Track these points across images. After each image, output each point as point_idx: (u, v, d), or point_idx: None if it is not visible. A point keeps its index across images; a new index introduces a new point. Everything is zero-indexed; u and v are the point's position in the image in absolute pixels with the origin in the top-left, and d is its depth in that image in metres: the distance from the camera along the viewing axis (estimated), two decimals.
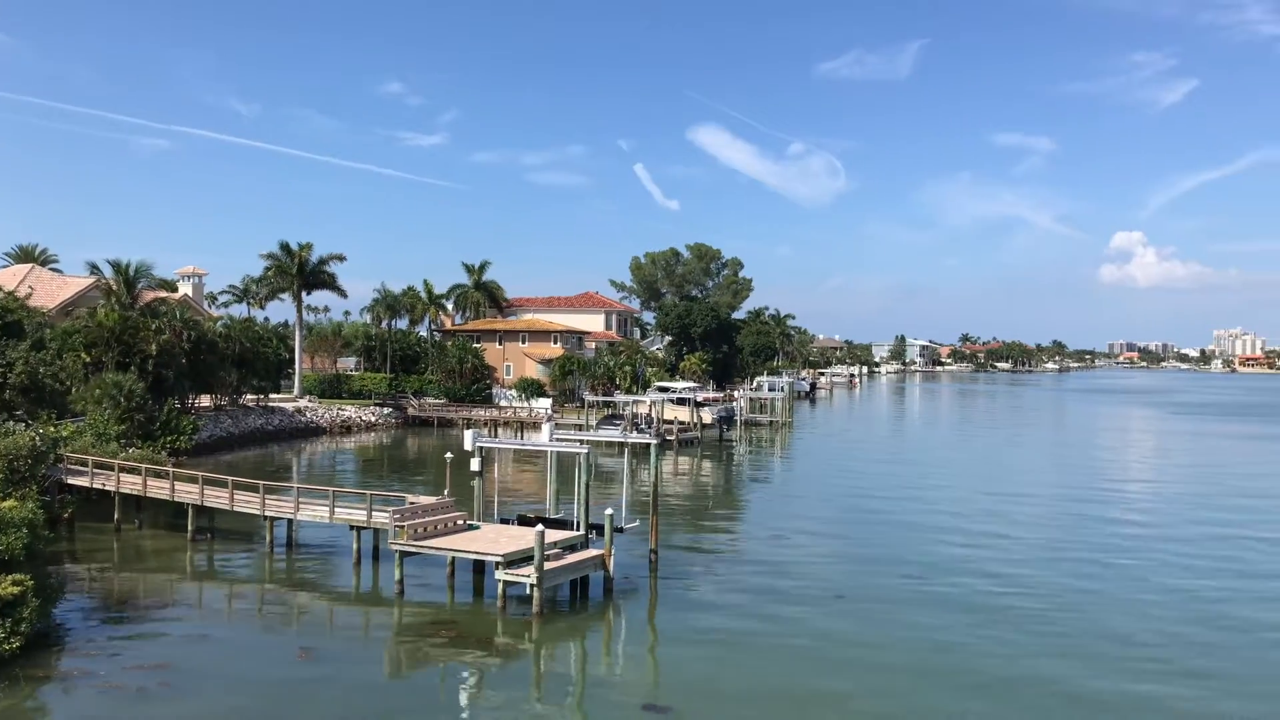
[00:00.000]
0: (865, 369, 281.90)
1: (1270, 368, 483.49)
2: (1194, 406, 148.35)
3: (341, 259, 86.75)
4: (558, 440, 33.81)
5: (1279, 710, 20.06)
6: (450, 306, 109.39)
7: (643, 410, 71.95)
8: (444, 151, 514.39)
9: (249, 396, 73.44)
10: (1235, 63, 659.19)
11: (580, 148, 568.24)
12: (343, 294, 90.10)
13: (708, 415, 78.21)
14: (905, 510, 43.73)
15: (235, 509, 33.25)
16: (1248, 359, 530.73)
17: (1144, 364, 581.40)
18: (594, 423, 70.90)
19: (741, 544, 36.77)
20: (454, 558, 27.71)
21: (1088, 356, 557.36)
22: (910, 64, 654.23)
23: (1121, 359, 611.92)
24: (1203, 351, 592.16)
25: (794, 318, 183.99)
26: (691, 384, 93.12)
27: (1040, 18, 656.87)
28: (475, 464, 30.39)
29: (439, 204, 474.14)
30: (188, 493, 34.69)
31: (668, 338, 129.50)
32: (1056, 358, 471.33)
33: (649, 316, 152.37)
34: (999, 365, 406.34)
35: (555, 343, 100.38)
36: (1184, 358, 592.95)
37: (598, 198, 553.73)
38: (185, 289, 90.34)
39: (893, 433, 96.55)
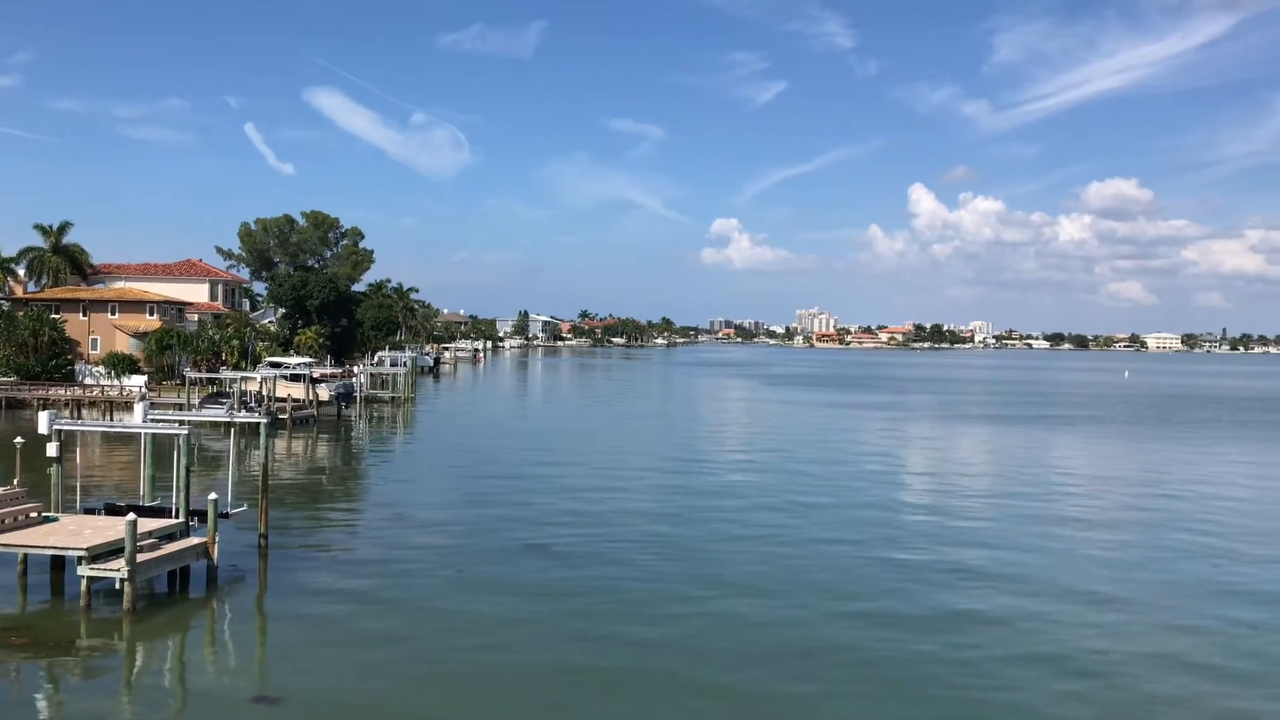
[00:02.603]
0: (490, 344, 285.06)
1: (841, 343, 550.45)
2: (780, 378, 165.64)
3: None
4: (153, 421, 31.12)
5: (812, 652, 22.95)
6: (22, 272, 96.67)
7: (253, 388, 67.93)
8: (15, 95, 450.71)
9: None
10: (817, 69, 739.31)
11: (181, 101, 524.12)
12: None
13: (325, 392, 75.38)
14: (526, 483, 44.95)
15: None
16: (823, 335, 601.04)
17: (739, 340, 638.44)
18: (196, 402, 65.91)
19: (360, 524, 35.98)
20: (25, 554, 24.66)
21: (692, 332, 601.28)
22: (533, 43, 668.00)
23: (720, 335, 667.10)
24: (787, 329, 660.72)
25: (418, 291, 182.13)
26: (307, 359, 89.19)
27: (651, 10, 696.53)
28: (52, 449, 27.18)
29: (10, 155, 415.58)
30: None
31: (281, 310, 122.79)
32: (665, 333, 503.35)
33: (260, 287, 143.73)
34: (615, 340, 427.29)
35: (151, 314, 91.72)
36: (772, 334, 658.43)
37: (203, 157, 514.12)
38: None
39: (516, 407, 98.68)
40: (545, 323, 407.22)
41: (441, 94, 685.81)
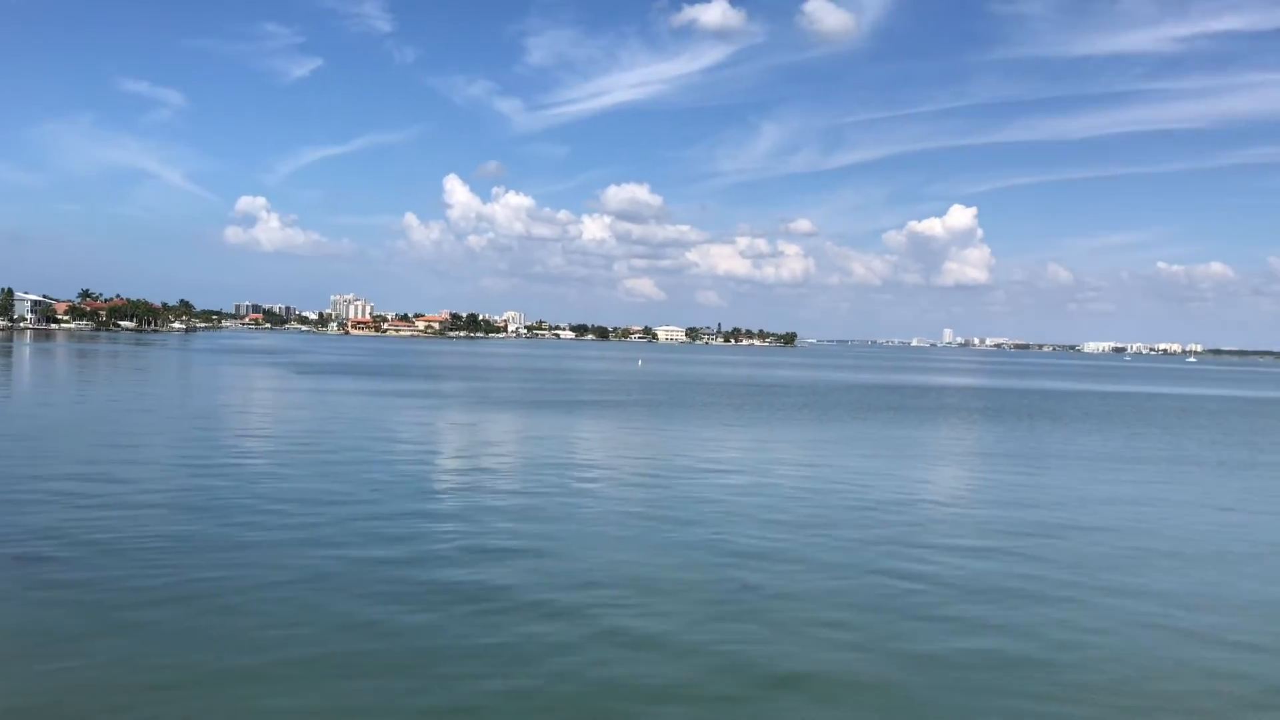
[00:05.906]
0: None
1: (378, 331, 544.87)
2: (312, 365, 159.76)
3: None
4: None
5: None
6: None
7: None
8: None
9: None
10: (354, 50, 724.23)
11: None
12: None
13: None
14: (5, 485, 38.91)
15: None
16: (359, 323, 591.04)
17: (268, 325, 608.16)
18: None
19: None
20: None
21: (215, 317, 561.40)
22: None
23: (247, 320, 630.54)
24: (321, 314, 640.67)
25: None
26: None
27: None
28: None
29: None
30: None
31: None
32: (184, 317, 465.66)
33: None
34: (123, 324, 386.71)
35: None
36: (305, 320, 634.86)
37: None
38: None
39: None
40: (36, 302, 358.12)
41: None
